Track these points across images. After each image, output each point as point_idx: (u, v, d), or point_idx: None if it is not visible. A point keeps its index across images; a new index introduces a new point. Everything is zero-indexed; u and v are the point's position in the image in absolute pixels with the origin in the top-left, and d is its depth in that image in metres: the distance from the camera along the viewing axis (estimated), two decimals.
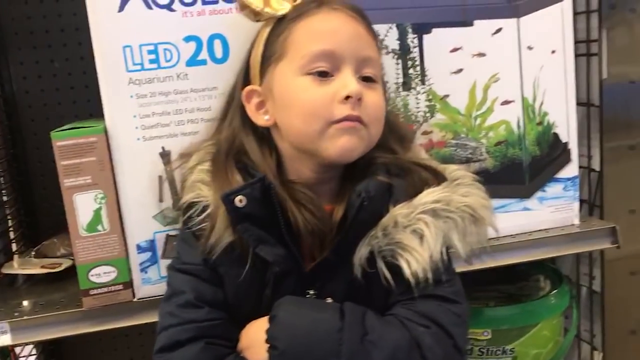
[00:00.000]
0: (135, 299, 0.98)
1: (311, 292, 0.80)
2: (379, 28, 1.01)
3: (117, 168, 0.95)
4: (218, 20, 0.95)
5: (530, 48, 1.08)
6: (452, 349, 0.78)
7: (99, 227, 0.95)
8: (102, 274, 0.96)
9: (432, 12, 1.03)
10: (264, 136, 0.85)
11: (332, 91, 0.78)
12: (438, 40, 1.04)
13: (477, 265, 0.97)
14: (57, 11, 1.32)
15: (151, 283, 0.98)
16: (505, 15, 1.05)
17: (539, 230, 1.13)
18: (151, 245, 0.97)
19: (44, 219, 1.37)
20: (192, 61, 0.95)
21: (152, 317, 0.98)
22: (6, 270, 1.15)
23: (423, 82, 1.05)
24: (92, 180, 0.94)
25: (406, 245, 0.77)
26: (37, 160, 1.36)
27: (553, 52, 1.10)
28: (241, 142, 0.84)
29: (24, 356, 1.30)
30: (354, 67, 0.79)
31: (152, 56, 0.94)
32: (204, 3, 0.94)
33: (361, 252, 0.78)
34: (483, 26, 1.05)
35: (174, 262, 0.86)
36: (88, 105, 1.32)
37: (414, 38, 1.03)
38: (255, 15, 0.85)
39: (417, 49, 1.04)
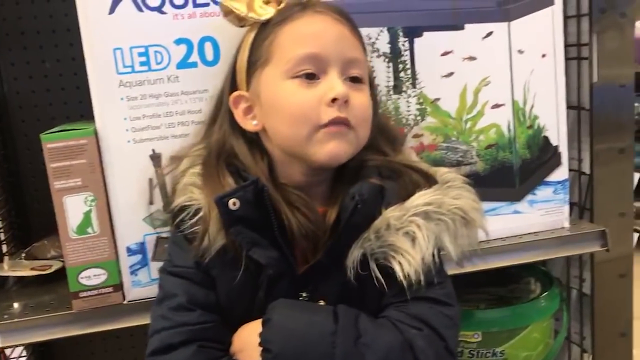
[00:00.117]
0: (125, 302, 0.98)
1: (304, 294, 0.80)
2: (370, 31, 1.01)
3: (107, 170, 0.95)
4: (209, 22, 0.95)
5: (520, 52, 1.08)
6: (444, 351, 0.78)
7: (89, 230, 0.95)
8: (92, 277, 0.96)
9: (423, 16, 1.03)
10: (254, 140, 0.85)
11: (319, 94, 0.78)
12: (429, 44, 1.04)
13: (468, 268, 0.98)
14: (48, 12, 1.31)
15: (141, 285, 0.98)
16: (496, 19, 1.06)
17: (529, 233, 1.13)
18: (141, 248, 0.97)
19: (35, 220, 1.36)
20: (183, 64, 0.95)
21: (142, 320, 0.98)
22: None
23: (414, 85, 1.05)
24: (82, 183, 0.94)
25: (398, 248, 0.77)
26: (27, 161, 1.35)
27: (544, 55, 1.11)
28: (231, 145, 0.85)
29: (14, 358, 1.30)
30: (339, 69, 0.80)
31: (143, 58, 0.94)
32: (195, 5, 0.94)
33: (354, 255, 0.78)
34: (474, 30, 1.05)
35: (166, 265, 0.86)
36: (79, 107, 1.31)
37: (404, 41, 1.03)
38: (240, 21, 0.85)
39: (408, 53, 1.04)
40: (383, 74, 1.03)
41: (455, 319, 0.82)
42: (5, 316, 0.98)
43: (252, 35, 0.85)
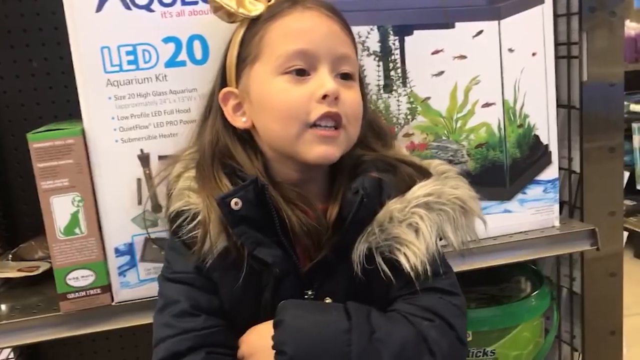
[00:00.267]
0: (113, 303, 0.97)
1: (309, 293, 0.80)
2: (360, 30, 1.01)
3: (95, 170, 0.94)
4: (197, 21, 0.94)
5: (511, 50, 1.08)
6: (456, 341, 0.79)
7: (77, 231, 0.94)
8: (80, 278, 0.95)
9: (413, 14, 1.03)
10: (246, 139, 0.85)
11: (309, 91, 0.78)
12: (419, 42, 1.04)
13: (459, 267, 0.97)
14: (35, 10, 1.29)
15: (130, 287, 0.97)
16: (486, 17, 1.05)
17: (520, 232, 1.13)
18: (130, 249, 0.96)
19: (22, 221, 1.34)
20: (171, 62, 0.94)
21: (130, 321, 0.98)
22: None
23: (404, 84, 1.04)
24: (69, 183, 0.93)
25: (403, 240, 0.78)
26: (15, 161, 1.34)
27: (534, 54, 1.11)
28: (225, 144, 0.84)
29: None
30: (330, 65, 0.79)
31: (131, 57, 0.93)
32: (184, 4, 0.94)
33: (359, 250, 0.78)
34: (464, 28, 1.05)
35: (164, 272, 0.84)
36: (67, 106, 1.30)
37: (395, 40, 1.03)
38: (230, 17, 0.85)
39: (398, 51, 1.03)
40: (373, 72, 1.03)
41: (463, 308, 0.82)
42: None
43: (241, 31, 0.84)
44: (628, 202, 2.93)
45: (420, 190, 0.80)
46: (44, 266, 1.11)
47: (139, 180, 0.95)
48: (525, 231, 1.14)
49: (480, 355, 1.17)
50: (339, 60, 0.80)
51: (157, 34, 0.93)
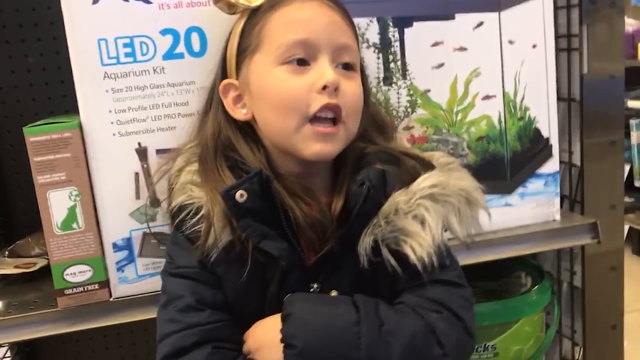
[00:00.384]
0: (111, 299, 0.96)
1: (315, 286, 0.79)
2: (359, 21, 1.00)
3: (92, 164, 0.92)
4: (195, 13, 0.93)
5: (511, 42, 1.08)
6: (464, 333, 0.79)
7: (74, 225, 0.93)
8: (78, 273, 0.94)
9: (413, 5, 1.02)
10: (247, 132, 0.84)
11: (309, 82, 0.77)
12: (419, 34, 1.03)
13: (459, 261, 0.96)
14: (30, 5, 1.28)
15: (128, 282, 0.96)
16: (486, 9, 1.05)
17: (520, 226, 1.13)
18: (128, 244, 0.95)
19: (18, 218, 1.34)
20: (169, 55, 0.93)
21: (129, 317, 0.97)
22: None
23: (404, 76, 1.04)
24: (66, 177, 0.92)
25: (409, 232, 0.77)
26: (11, 157, 1.33)
27: (534, 46, 1.10)
28: (227, 137, 0.83)
29: None
30: (330, 55, 0.79)
31: (128, 49, 0.92)
32: None
33: (365, 242, 0.77)
34: (464, 20, 1.04)
35: (167, 267, 0.83)
36: (63, 101, 1.29)
37: (394, 32, 1.02)
38: (230, 8, 0.84)
39: (398, 43, 1.02)
40: (373, 65, 1.02)
41: (470, 299, 0.82)
42: None
43: (242, 22, 0.83)
44: (626, 199, 2.93)
45: (425, 181, 0.80)
46: (41, 262, 1.10)
47: (136, 174, 0.94)
48: (526, 225, 1.13)
49: (481, 350, 1.17)
50: (340, 50, 0.80)
51: (155, 26, 0.92)
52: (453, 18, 1.04)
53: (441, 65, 1.04)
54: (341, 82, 0.78)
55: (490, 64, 1.07)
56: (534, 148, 1.12)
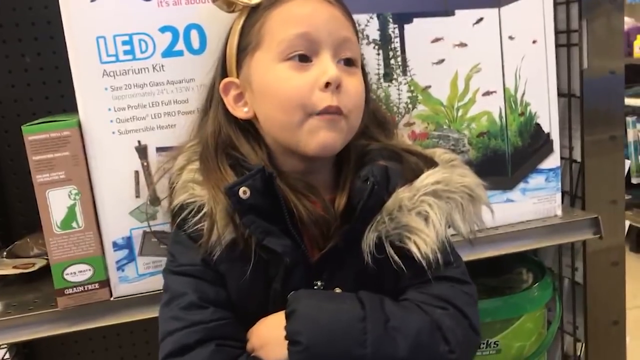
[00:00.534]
0: (112, 298, 0.96)
1: (319, 283, 0.79)
2: (360, 18, 0.99)
3: (91, 163, 0.92)
4: (195, 10, 0.92)
5: (511, 38, 1.07)
6: (469, 329, 0.78)
7: (74, 224, 0.92)
8: (78, 273, 0.93)
9: (413, 2, 1.01)
10: (249, 130, 0.83)
11: (312, 78, 0.77)
12: (419, 30, 1.02)
13: (462, 257, 0.96)
14: (27, 4, 1.27)
15: (128, 281, 0.95)
16: (486, 4, 1.05)
17: (522, 222, 1.12)
18: (128, 243, 0.95)
19: (17, 218, 1.33)
20: (169, 52, 0.92)
21: (130, 317, 0.96)
22: None
23: (404, 72, 1.03)
24: (65, 176, 0.91)
25: (413, 228, 0.77)
26: (8, 158, 1.32)
27: (534, 42, 1.10)
28: (228, 135, 0.82)
29: None
30: (332, 50, 0.78)
31: (127, 47, 0.91)
32: None
33: (369, 239, 0.77)
34: (464, 16, 1.04)
35: (169, 266, 0.82)
36: (61, 101, 1.28)
37: (394, 28, 1.02)
38: (229, 6, 0.84)
39: (398, 39, 1.02)
40: (373, 61, 1.02)
41: (475, 296, 0.82)
42: None
43: (241, 20, 0.83)
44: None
45: (428, 178, 0.80)
46: (39, 263, 1.09)
47: (136, 172, 0.94)
48: (527, 220, 1.13)
49: (483, 347, 1.17)
50: (341, 45, 0.79)
51: (154, 24, 0.91)
52: (453, 14, 1.04)
53: (441, 61, 1.04)
54: (343, 79, 0.78)
55: (490, 60, 1.07)
56: (534, 144, 1.12)
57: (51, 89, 1.30)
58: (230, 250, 0.77)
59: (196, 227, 0.78)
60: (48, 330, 0.95)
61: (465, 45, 1.05)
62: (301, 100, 0.77)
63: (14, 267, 1.10)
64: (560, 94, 1.16)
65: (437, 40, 1.04)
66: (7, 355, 1.30)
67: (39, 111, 1.28)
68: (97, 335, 1.41)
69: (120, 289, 0.95)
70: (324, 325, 0.72)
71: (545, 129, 1.13)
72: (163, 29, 0.92)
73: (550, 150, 1.13)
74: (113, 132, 0.92)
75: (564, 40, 1.18)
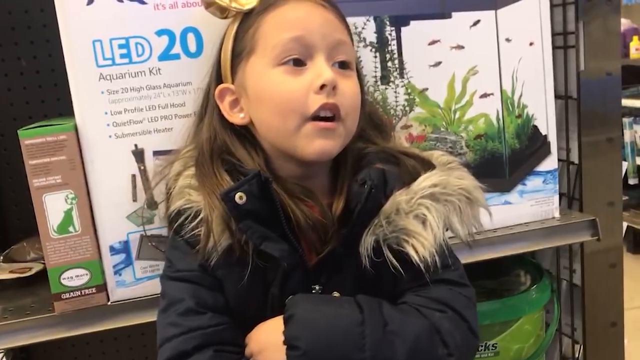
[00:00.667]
0: (109, 303, 0.95)
1: (317, 287, 0.78)
2: (356, 20, 1.00)
3: (88, 167, 0.91)
4: (191, 13, 0.92)
5: (508, 40, 1.07)
6: (468, 332, 0.78)
7: (70, 229, 0.92)
8: (75, 277, 0.93)
9: (409, 4, 1.01)
10: (245, 135, 0.83)
11: (307, 82, 0.77)
12: (416, 33, 1.02)
13: (461, 260, 0.96)
14: (23, 7, 1.27)
15: (126, 286, 0.95)
16: (483, 7, 1.05)
17: (520, 224, 1.12)
18: (125, 247, 0.94)
19: (13, 222, 1.32)
20: (165, 55, 0.92)
21: (127, 321, 0.96)
22: None
23: (402, 75, 1.03)
24: (62, 180, 0.91)
25: (411, 231, 0.77)
26: (5, 162, 1.31)
27: (531, 44, 1.10)
28: (223, 141, 0.82)
29: None
30: (326, 54, 0.78)
31: (123, 51, 0.91)
32: None
33: (367, 242, 0.77)
34: (461, 18, 1.04)
35: (167, 271, 0.82)
36: (57, 104, 1.28)
37: (391, 31, 1.02)
38: (222, 12, 0.84)
39: (395, 42, 1.02)
40: (370, 64, 1.01)
41: (473, 299, 0.82)
42: None
43: (235, 26, 0.83)
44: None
45: (425, 181, 0.80)
46: (36, 267, 1.09)
47: (133, 176, 0.93)
48: (525, 223, 1.13)
49: (482, 349, 1.16)
50: (336, 48, 0.79)
51: (150, 27, 0.91)
52: (450, 16, 1.04)
53: (438, 63, 1.04)
54: (338, 81, 0.78)
55: (487, 62, 1.07)
56: (532, 146, 1.12)
57: (47, 93, 1.30)
58: (228, 255, 0.77)
59: (193, 232, 0.78)
60: (45, 335, 0.94)
61: (462, 47, 1.05)
62: (297, 104, 0.76)
63: (11, 271, 1.10)
64: (557, 96, 1.16)
65: (434, 42, 1.03)
66: (4, 359, 1.30)
67: (35, 115, 1.27)
68: (95, 340, 1.41)
69: (118, 294, 0.95)
70: (323, 329, 0.72)
71: (543, 131, 1.13)
72: (159, 33, 0.92)
73: (547, 152, 1.13)
74: (110, 136, 0.92)
75: (561, 42, 1.18)
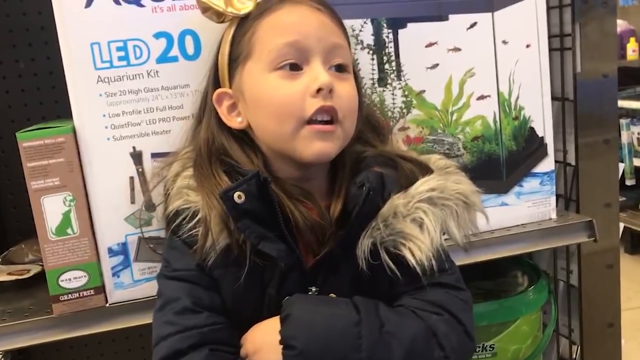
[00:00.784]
0: (107, 304, 0.95)
1: (313, 289, 0.79)
2: (354, 23, 1.00)
3: (86, 169, 0.92)
4: (189, 15, 0.92)
5: (505, 42, 1.08)
6: (464, 335, 0.78)
7: (69, 231, 0.92)
8: (73, 279, 0.93)
9: (407, 7, 1.02)
10: (243, 138, 0.83)
11: (303, 86, 0.77)
12: (413, 35, 1.03)
13: (456, 262, 0.96)
14: (21, 10, 1.27)
15: (124, 287, 0.95)
16: (480, 9, 1.05)
17: (517, 225, 1.13)
18: (123, 249, 0.94)
19: (11, 224, 1.32)
20: (163, 58, 0.93)
21: (125, 323, 0.96)
22: None
23: (399, 77, 1.03)
24: (60, 182, 0.91)
25: (408, 235, 0.77)
26: (3, 164, 1.31)
27: (528, 46, 1.10)
28: (221, 144, 0.83)
29: None
30: (322, 57, 0.78)
31: (121, 53, 0.91)
32: None
33: (364, 245, 0.77)
34: (458, 21, 1.05)
35: (164, 271, 0.83)
36: (55, 107, 1.28)
37: (389, 33, 1.02)
38: (219, 17, 0.84)
39: (392, 44, 1.02)
40: (367, 66, 1.02)
41: (470, 302, 0.82)
42: None
43: (231, 30, 0.83)
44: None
45: (423, 185, 0.80)
46: (35, 269, 1.09)
47: (131, 178, 0.94)
48: (522, 224, 1.13)
49: (479, 350, 1.17)
50: (332, 51, 0.79)
51: (148, 30, 0.92)
52: (447, 19, 1.04)
53: (435, 65, 1.04)
54: (335, 84, 0.78)
55: (484, 64, 1.07)
56: (529, 147, 1.12)
57: (45, 95, 1.30)
58: (225, 255, 0.77)
59: (191, 232, 0.78)
60: (43, 337, 0.95)
61: (459, 49, 1.05)
62: (293, 108, 0.77)
63: (9, 273, 1.10)
64: (554, 98, 1.17)
65: (431, 45, 1.04)
66: None
67: (34, 117, 1.28)
68: (93, 342, 1.41)
69: (116, 295, 0.95)
70: (319, 329, 0.72)
71: (540, 133, 1.13)
72: (157, 35, 0.92)
73: (544, 154, 1.14)
74: (108, 138, 0.92)
75: (558, 44, 1.18)
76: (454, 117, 1.07)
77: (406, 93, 1.04)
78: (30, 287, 1.06)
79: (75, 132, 0.91)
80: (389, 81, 1.03)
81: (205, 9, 0.84)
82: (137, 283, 0.96)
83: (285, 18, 0.79)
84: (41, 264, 0.97)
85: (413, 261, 0.76)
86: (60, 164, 0.90)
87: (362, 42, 1.01)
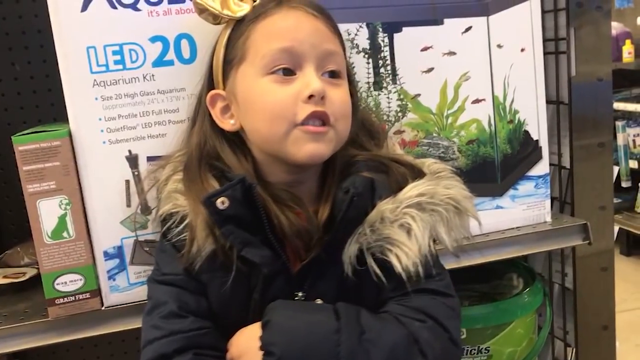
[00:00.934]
0: (103, 308, 0.95)
1: (300, 294, 0.79)
2: (349, 27, 1.00)
3: (82, 172, 0.92)
4: (185, 19, 0.93)
5: (500, 46, 1.08)
6: (449, 342, 0.78)
7: (65, 234, 0.92)
8: (69, 282, 0.93)
9: (402, 11, 1.02)
10: (234, 141, 0.84)
11: (295, 91, 0.77)
12: (408, 39, 1.03)
13: (451, 265, 0.97)
14: (17, 13, 1.28)
15: (119, 291, 0.95)
16: (475, 13, 1.05)
17: (512, 228, 1.13)
18: (119, 252, 0.95)
19: (7, 227, 1.32)
20: (159, 62, 0.93)
21: (121, 326, 0.96)
22: None
23: (394, 81, 1.04)
24: (56, 186, 0.91)
25: (395, 240, 0.76)
26: None
27: (522, 50, 1.11)
28: (213, 146, 0.83)
29: None
30: (316, 63, 0.78)
31: (117, 57, 0.91)
32: (170, 2, 0.92)
33: (350, 250, 0.77)
34: (453, 25, 1.05)
35: (154, 274, 0.83)
36: (51, 110, 1.29)
37: (384, 37, 1.02)
38: (215, 18, 0.84)
39: (387, 48, 1.03)
40: (363, 70, 1.02)
41: (457, 309, 0.81)
42: None
43: (227, 32, 0.83)
44: (614, 200, 2.96)
45: (412, 190, 0.79)
46: (30, 272, 1.09)
47: (127, 181, 0.94)
48: (517, 227, 1.13)
49: (474, 353, 1.17)
50: (326, 58, 0.79)
51: (144, 33, 0.92)
52: (442, 23, 1.04)
53: (431, 69, 1.05)
54: (327, 90, 0.78)
55: (479, 68, 1.08)
56: (524, 151, 1.13)
57: (41, 98, 1.30)
58: (212, 260, 0.77)
59: (179, 237, 0.79)
60: (39, 340, 0.95)
61: (454, 53, 1.06)
62: (286, 112, 0.77)
63: (5, 276, 1.10)
64: (548, 101, 1.17)
65: (426, 49, 1.04)
66: None
67: (30, 120, 1.28)
68: (89, 345, 1.41)
69: (112, 299, 0.95)
70: (299, 336, 0.72)
71: (534, 136, 1.14)
72: (153, 39, 0.92)
73: (539, 157, 1.14)
74: (104, 142, 0.92)
75: (552, 48, 1.19)
76: (449, 121, 1.07)
77: (401, 97, 1.04)
78: (26, 290, 1.06)
79: (71, 135, 0.91)
80: (385, 85, 1.04)
81: (202, 11, 0.84)
82: (132, 286, 0.96)
83: (280, 23, 0.79)
84: (37, 267, 0.98)
85: (399, 267, 0.76)
86: (56, 168, 0.91)
87: (357, 45, 1.02)
